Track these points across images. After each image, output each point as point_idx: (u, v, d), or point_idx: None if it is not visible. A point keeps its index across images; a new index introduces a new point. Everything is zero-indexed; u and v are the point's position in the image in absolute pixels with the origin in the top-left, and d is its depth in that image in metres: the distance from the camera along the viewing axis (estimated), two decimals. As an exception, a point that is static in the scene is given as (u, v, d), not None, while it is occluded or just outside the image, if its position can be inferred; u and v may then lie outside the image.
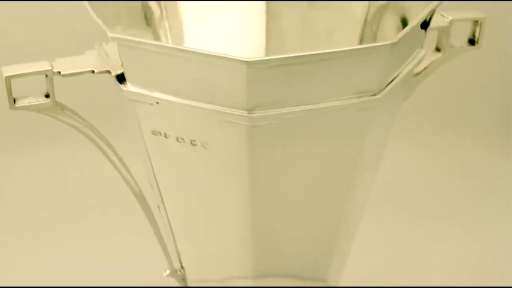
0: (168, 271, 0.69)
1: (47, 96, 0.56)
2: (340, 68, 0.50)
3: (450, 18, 0.64)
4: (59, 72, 0.55)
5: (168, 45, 0.50)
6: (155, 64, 0.51)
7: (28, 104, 0.56)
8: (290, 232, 0.60)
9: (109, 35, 0.51)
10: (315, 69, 0.50)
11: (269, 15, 0.73)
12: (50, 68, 0.55)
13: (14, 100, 0.55)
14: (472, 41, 0.66)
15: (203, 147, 0.54)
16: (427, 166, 1.09)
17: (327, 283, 0.66)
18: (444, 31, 0.64)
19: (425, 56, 0.62)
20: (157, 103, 0.53)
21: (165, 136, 0.55)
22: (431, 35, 0.63)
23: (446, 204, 1.01)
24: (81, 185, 1.04)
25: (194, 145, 0.54)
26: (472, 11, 0.65)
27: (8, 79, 0.54)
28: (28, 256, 0.91)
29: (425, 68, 0.66)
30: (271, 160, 0.54)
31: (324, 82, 0.50)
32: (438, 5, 0.57)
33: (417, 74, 0.66)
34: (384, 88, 0.53)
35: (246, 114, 0.50)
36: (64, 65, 0.56)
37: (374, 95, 0.52)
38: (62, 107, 0.57)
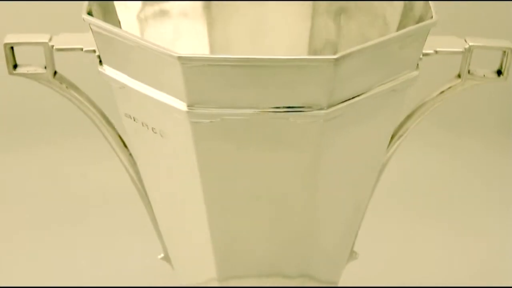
0: (162, 255, 0.71)
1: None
2: (280, 77, 0.49)
3: (469, 44, 0.59)
4: (52, 46, 0.59)
5: (124, 33, 0.51)
6: (119, 49, 0.53)
7: (26, 71, 0.60)
8: (248, 232, 0.60)
9: (83, 16, 0.54)
10: (255, 74, 0.49)
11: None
12: (46, 41, 0.58)
13: (15, 66, 0.60)
14: (499, 72, 0.61)
15: (161, 135, 0.55)
16: (427, 166, 1.09)
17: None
18: (465, 57, 0.60)
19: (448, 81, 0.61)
20: (123, 87, 0.55)
21: (134, 120, 0.57)
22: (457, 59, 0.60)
23: (447, 204, 1.00)
24: (81, 185, 1.04)
25: (154, 132, 0.56)
26: (501, 40, 0.60)
27: (8, 45, 0.59)
28: (28, 256, 0.91)
29: (441, 92, 0.62)
30: (219, 159, 0.54)
31: (267, 88, 0.50)
32: (433, 25, 0.53)
33: (434, 98, 0.62)
34: (336, 104, 0.51)
35: (187, 109, 0.51)
36: (62, 40, 0.59)
37: (320, 109, 0.51)
38: (61, 79, 0.61)
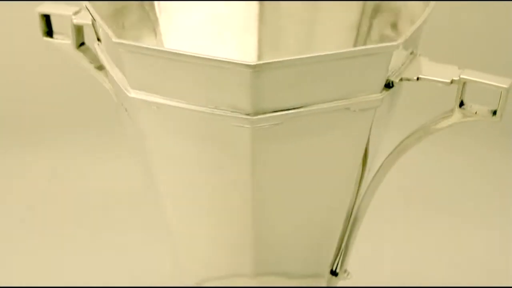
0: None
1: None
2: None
3: (460, 76, 0.54)
4: (74, 20, 0.63)
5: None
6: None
7: (54, 39, 0.65)
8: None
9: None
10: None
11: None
12: (70, 13, 0.63)
13: (49, 33, 0.65)
14: (495, 112, 0.55)
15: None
16: (427, 166, 1.08)
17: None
18: (458, 89, 0.55)
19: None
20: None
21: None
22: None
23: (447, 204, 1.00)
24: (81, 185, 1.04)
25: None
26: (499, 78, 0.54)
27: (40, 13, 0.65)
28: (28, 256, 0.91)
29: (433, 124, 0.58)
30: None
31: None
32: (393, 48, 0.51)
33: (425, 129, 0.58)
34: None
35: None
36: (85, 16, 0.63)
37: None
38: (85, 51, 0.65)
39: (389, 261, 0.89)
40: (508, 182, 1.06)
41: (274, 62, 0.48)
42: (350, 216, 0.65)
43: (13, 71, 1.16)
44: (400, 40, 0.51)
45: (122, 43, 0.50)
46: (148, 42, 0.68)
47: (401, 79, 0.54)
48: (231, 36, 0.73)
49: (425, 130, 0.59)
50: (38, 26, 0.66)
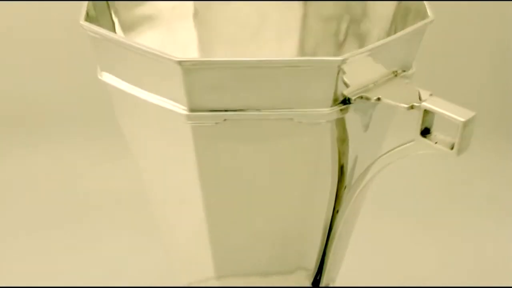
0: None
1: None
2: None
3: (422, 103, 0.50)
4: None
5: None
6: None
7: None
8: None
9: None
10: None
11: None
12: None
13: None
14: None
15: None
16: (427, 166, 1.07)
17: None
18: (420, 116, 0.52)
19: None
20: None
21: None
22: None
23: (446, 204, 1.01)
24: (81, 185, 1.03)
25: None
26: (461, 109, 0.51)
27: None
28: (28, 256, 0.91)
29: (394, 150, 0.55)
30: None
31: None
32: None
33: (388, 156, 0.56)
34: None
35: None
36: None
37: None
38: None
39: (388, 262, 0.88)
40: (508, 182, 1.06)
41: (202, 61, 0.49)
42: (330, 229, 0.63)
43: (13, 71, 1.19)
44: (345, 56, 0.49)
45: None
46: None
47: (360, 97, 0.52)
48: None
49: (390, 158, 0.56)
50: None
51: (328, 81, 0.50)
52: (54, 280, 0.86)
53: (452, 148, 0.52)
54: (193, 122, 0.51)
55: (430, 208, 0.99)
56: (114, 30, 0.65)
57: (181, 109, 0.51)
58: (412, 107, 0.51)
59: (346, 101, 0.52)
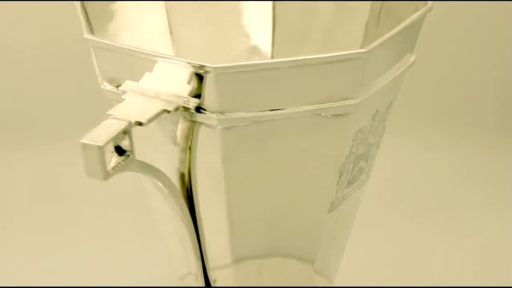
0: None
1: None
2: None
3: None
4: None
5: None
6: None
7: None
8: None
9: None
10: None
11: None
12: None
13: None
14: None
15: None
16: (427, 166, 1.08)
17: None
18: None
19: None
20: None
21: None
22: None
23: (446, 204, 1.00)
24: (81, 185, 0.98)
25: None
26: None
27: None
28: (28, 256, 0.91)
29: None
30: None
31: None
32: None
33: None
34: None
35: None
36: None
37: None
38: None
39: (388, 262, 0.88)
40: (508, 182, 1.05)
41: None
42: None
43: (13, 70, 1.17)
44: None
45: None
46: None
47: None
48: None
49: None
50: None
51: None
52: (54, 280, 0.86)
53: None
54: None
55: (430, 208, 1.00)
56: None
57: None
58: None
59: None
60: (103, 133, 0.47)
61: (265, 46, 0.73)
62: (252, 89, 0.50)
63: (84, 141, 0.47)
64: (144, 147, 0.55)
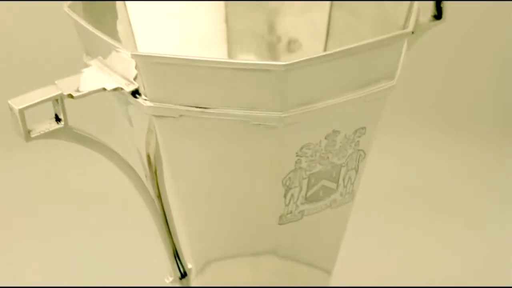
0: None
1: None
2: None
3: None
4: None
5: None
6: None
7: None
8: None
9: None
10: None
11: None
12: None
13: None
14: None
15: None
16: (426, 166, 1.08)
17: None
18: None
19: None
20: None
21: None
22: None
23: (446, 204, 1.00)
24: (81, 184, 1.01)
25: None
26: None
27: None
28: (28, 256, 0.91)
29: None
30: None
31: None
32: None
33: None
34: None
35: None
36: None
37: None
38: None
39: (388, 262, 0.88)
40: (508, 182, 1.05)
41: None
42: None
43: (12, 70, 1.19)
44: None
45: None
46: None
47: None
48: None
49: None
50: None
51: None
52: (54, 280, 0.87)
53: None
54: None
55: (429, 208, 0.99)
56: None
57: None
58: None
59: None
60: (31, 98, 0.52)
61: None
62: (178, 82, 0.52)
63: (10, 102, 0.52)
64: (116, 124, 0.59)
